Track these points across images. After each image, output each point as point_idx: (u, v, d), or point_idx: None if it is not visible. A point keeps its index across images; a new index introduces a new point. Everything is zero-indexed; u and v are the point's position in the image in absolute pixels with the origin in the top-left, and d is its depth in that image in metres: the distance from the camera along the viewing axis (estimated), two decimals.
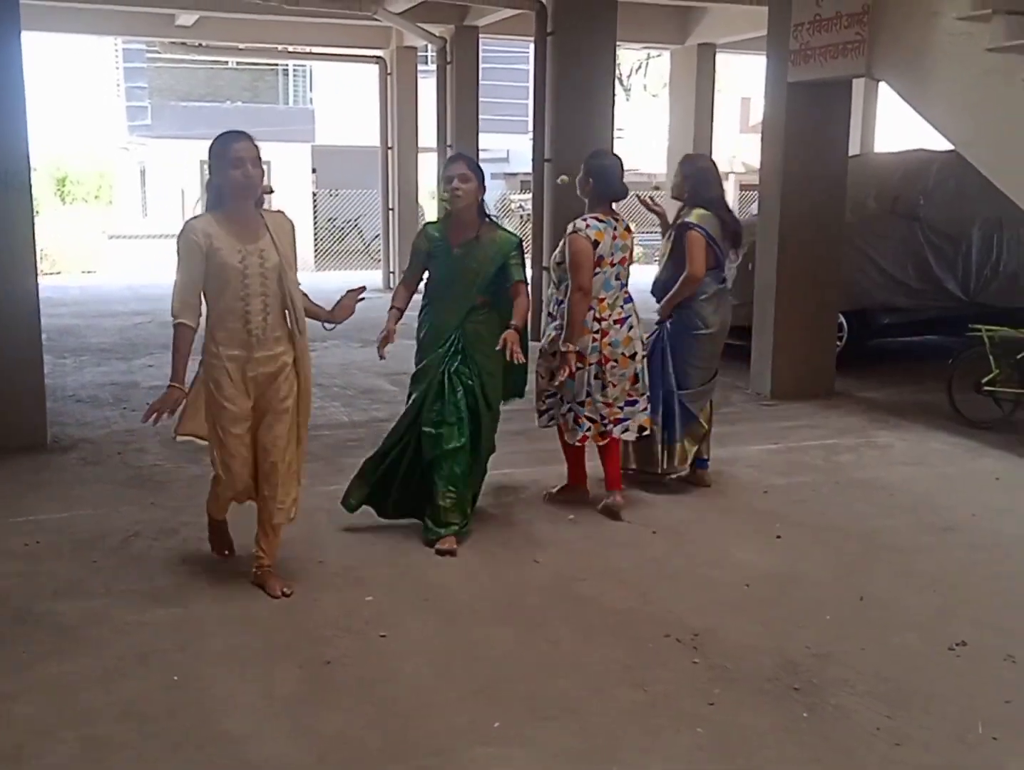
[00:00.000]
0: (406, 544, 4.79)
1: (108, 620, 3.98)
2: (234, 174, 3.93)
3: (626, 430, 5.21)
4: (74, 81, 26.96)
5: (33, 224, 6.26)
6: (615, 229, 5.12)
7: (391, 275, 15.50)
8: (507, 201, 25.46)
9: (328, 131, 24.73)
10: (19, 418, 6.31)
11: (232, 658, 3.69)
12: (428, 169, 15.14)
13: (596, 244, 5.02)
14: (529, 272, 5.47)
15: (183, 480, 5.73)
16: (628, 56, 28.73)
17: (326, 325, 4.34)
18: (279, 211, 4.23)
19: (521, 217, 22.73)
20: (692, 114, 14.36)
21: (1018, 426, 6.95)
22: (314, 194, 22.34)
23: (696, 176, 5.56)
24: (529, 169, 11.10)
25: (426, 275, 4.97)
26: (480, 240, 4.79)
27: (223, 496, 4.33)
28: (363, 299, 4.37)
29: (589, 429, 5.14)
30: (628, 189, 5.27)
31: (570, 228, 5.09)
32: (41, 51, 21.16)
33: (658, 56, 26.97)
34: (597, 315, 5.09)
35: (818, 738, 3.21)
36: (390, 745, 3.17)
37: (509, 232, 5.03)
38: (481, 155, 12.81)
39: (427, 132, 14.62)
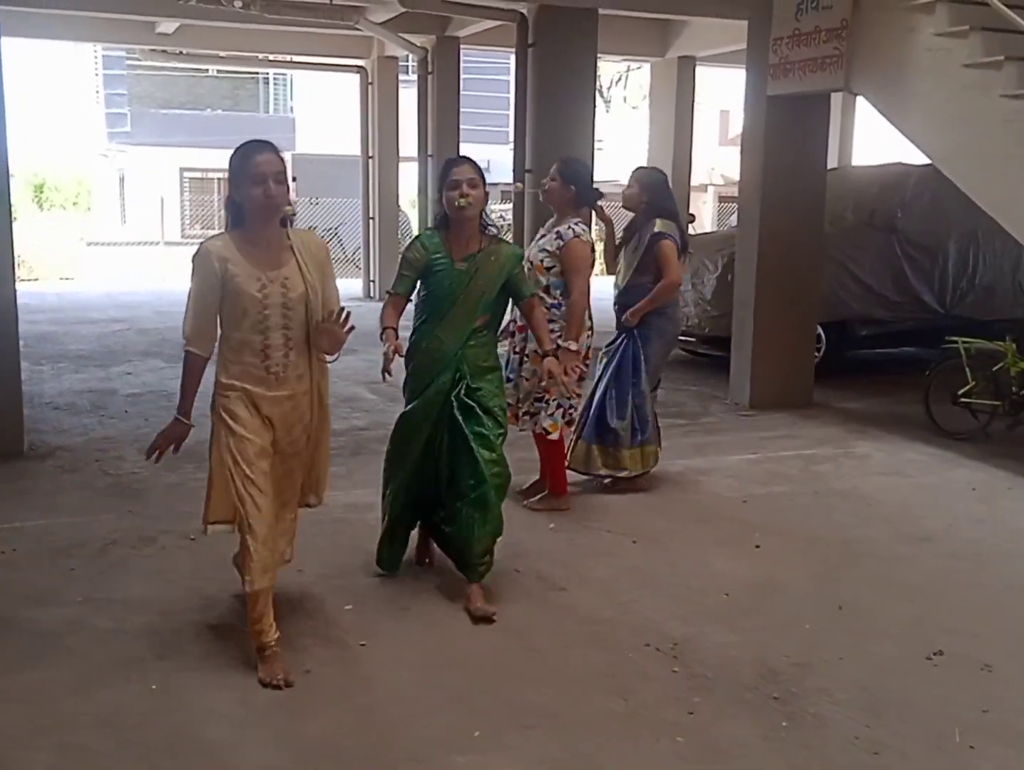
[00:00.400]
0: None
1: (85, 628, 3.95)
2: (254, 192, 3.44)
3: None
4: (53, 87, 26.86)
5: (11, 230, 6.22)
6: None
7: (371, 284, 15.52)
8: (488, 211, 25.49)
9: (309, 140, 24.78)
10: None
11: (211, 667, 3.66)
12: (409, 178, 15.13)
13: (593, 248, 5.18)
14: None
15: (161, 488, 5.70)
16: (608, 68, 28.90)
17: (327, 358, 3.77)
18: (309, 231, 3.79)
19: (500, 228, 22.74)
20: (672, 126, 14.44)
21: (994, 437, 7.01)
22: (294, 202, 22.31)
23: (655, 188, 5.74)
24: (510, 179, 11.13)
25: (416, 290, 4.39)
26: (486, 254, 4.33)
27: (259, 554, 3.56)
28: (353, 328, 3.61)
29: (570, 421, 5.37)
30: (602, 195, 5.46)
31: (568, 234, 5.16)
32: (20, 57, 21.06)
33: (638, 68, 27.16)
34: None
35: (797, 747, 3.23)
36: (370, 753, 3.15)
37: (511, 244, 4.71)
38: None
39: (408, 142, 14.64)
